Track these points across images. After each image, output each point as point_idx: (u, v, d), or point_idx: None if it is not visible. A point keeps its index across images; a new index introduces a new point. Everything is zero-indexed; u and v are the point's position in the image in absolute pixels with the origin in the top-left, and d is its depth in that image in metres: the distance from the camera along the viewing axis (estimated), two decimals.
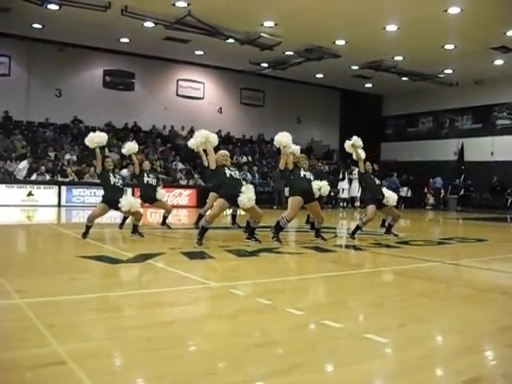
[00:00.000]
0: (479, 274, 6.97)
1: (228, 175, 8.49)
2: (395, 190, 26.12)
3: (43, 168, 19.35)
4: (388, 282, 6.08)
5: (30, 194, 18.28)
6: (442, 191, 26.83)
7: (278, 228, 9.04)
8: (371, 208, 10.00)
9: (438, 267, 7.19)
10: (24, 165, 19.05)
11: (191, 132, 26.24)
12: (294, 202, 9.07)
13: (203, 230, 8.44)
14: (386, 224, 10.82)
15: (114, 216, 12.91)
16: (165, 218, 11.29)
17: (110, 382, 2.80)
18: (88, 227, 8.91)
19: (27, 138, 21.49)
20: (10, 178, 18.67)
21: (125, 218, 10.66)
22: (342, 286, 5.98)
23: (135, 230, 9.41)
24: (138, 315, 4.15)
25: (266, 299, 4.66)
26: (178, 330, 3.80)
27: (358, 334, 3.68)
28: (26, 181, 18.63)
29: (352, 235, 9.93)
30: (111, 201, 8.99)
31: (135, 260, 6.79)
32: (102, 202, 9.22)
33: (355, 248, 8.98)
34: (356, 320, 4.21)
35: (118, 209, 9.02)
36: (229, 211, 12.02)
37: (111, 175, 9.23)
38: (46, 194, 18.58)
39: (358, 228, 10.01)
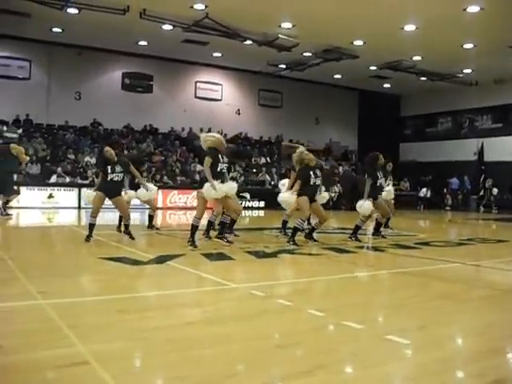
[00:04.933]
0: (500, 275, 6.91)
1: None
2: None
3: (60, 169, 19.56)
4: (408, 283, 6.05)
5: (50, 196, 18.47)
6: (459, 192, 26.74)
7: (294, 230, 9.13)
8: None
9: (459, 268, 7.13)
10: None
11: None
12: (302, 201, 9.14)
13: (193, 228, 8.32)
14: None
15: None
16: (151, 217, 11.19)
17: (133, 383, 2.83)
18: (92, 226, 8.73)
19: (47, 141, 21.73)
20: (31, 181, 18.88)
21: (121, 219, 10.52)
22: (363, 287, 5.97)
23: (127, 230, 9.17)
24: (160, 316, 4.17)
25: (286, 300, 4.67)
26: (200, 331, 3.81)
27: (379, 336, 3.67)
28: (46, 183, 18.83)
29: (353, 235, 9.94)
30: (106, 190, 8.84)
31: (156, 261, 6.83)
32: (97, 190, 8.94)
33: (375, 249, 8.96)
34: (377, 321, 4.20)
35: (111, 197, 8.87)
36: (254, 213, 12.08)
37: (109, 170, 8.83)
38: (67, 196, 18.76)
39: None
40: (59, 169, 19.68)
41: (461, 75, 25.32)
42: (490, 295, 5.37)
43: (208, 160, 8.09)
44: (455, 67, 24.01)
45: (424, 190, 26.37)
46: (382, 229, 10.70)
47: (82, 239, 8.61)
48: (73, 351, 3.22)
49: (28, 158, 13.58)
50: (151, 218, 11.12)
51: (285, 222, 10.28)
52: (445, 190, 27.28)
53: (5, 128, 13.77)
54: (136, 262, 6.68)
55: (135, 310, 4.37)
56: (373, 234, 10.56)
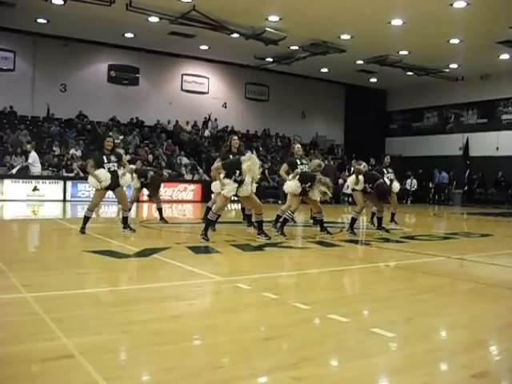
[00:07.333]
0: (485, 268, 6.95)
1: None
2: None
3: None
4: (394, 276, 6.07)
5: (35, 188, 18.30)
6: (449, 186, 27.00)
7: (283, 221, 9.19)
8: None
9: (444, 262, 7.17)
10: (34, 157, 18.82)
11: (195, 126, 26.31)
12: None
13: (209, 223, 8.41)
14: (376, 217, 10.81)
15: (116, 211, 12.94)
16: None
17: (118, 376, 2.80)
18: (87, 219, 8.76)
19: (32, 133, 21.52)
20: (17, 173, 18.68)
21: (160, 210, 11.09)
22: (349, 280, 5.98)
23: (126, 223, 9.13)
24: (145, 309, 4.15)
25: (272, 293, 4.66)
26: (185, 323, 3.80)
27: (364, 328, 3.68)
28: (31, 176, 18.65)
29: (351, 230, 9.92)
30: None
31: (141, 254, 6.79)
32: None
33: (361, 243, 8.99)
34: (363, 314, 4.21)
35: (113, 189, 8.90)
36: (238, 206, 12.07)
37: (105, 160, 8.81)
38: (51, 189, 18.61)
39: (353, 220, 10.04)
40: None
41: (447, 70, 25.43)
42: (476, 288, 5.41)
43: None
44: (442, 62, 24.11)
45: (409, 182, 26.50)
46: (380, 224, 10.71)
47: (67, 232, 8.55)
48: (58, 344, 3.19)
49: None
50: (160, 210, 11.33)
51: (278, 217, 10.21)
52: (430, 185, 27.47)
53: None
54: (121, 256, 6.64)
55: (120, 304, 4.34)
56: (377, 229, 10.52)
